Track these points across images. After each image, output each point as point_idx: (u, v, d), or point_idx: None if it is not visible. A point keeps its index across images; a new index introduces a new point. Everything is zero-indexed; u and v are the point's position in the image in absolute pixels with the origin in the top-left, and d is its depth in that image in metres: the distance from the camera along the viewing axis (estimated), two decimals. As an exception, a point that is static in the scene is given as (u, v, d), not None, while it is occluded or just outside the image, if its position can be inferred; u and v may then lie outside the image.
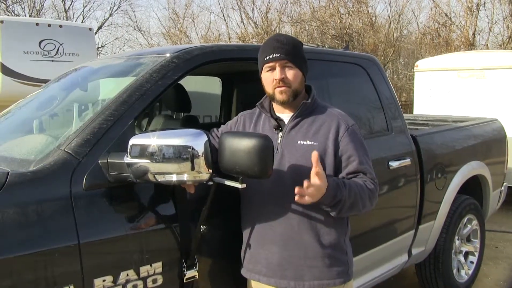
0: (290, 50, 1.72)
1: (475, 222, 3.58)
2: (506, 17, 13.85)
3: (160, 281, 1.69)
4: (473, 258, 3.64)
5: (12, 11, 20.24)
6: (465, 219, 3.45)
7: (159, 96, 1.89)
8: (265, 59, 1.73)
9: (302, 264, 1.72)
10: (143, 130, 2.95)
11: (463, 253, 3.54)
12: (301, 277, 1.72)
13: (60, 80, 2.63)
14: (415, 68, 7.24)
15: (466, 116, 4.66)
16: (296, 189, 1.53)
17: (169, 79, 1.92)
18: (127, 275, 1.60)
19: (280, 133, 1.76)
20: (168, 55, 2.03)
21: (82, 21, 22.51)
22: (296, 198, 1.55)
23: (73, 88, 2.62)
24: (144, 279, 1.65)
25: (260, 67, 1.79)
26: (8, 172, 1.52)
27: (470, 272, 3.59)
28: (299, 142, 1.72)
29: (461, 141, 3.44)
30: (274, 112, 1.80)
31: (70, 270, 1.49)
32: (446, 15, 15.02)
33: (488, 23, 14.37)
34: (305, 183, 1.50)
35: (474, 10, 14.15)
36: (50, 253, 1.45)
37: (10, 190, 1.47)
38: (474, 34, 14.17)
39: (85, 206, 1.56)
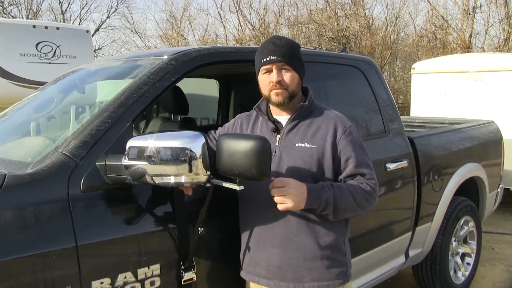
0: (287, 53, 1.71)
1: (471, 223, 3.60)
2: (502, 20, 13.89)
3: (158, 283, 1.69)
4: (470, 260, 3.65)
5: (9, 13, 20.19)
6: (462, 221, 3.47)
7: (157, 98, 1.89)
8: (262, 61, 1.72)
9: (302, 266, 1.72)
10: (141, 132, 2.95)
11: (460, 254, 3.56)
12: (301, 278, 1.72)
13: (57, 82, 2.63)
14: (412, 70, 7.27)
15: (462, 118, 4.68)
16: (275, 199, 1.60)
17: (167, 81, 1.92)
18: (125, 277, 1.60)
19: (278, 136, 1.76)
20: (165, 57, 2.03)
21: (79, 23, 22.45)
22: (278, 206, 1.60)
23: (70, 90, 2.62)
24: (142, 281, 1.65)
25: (257, 69, 1.78)
26: (6, 174, 1.52)
27: (467, 273, 3.60)
28: (297, 145, 1.73)
29: (457, 143, 3.46)
30: (272, 115, 1.80)
31: (67, 272, 1.48)
32: (442, 17, 15.04)
33: (484, 25, 14.42)
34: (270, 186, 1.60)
35: (471, 13, 14.20)
36: (47, 256, 1.44)
37: (8, 192, 1.47)
38: (470, 36, 14.20)
39: (82, 208, 1.56)
